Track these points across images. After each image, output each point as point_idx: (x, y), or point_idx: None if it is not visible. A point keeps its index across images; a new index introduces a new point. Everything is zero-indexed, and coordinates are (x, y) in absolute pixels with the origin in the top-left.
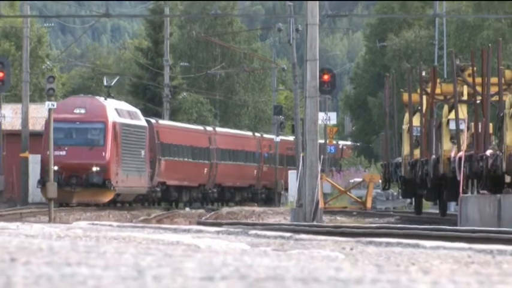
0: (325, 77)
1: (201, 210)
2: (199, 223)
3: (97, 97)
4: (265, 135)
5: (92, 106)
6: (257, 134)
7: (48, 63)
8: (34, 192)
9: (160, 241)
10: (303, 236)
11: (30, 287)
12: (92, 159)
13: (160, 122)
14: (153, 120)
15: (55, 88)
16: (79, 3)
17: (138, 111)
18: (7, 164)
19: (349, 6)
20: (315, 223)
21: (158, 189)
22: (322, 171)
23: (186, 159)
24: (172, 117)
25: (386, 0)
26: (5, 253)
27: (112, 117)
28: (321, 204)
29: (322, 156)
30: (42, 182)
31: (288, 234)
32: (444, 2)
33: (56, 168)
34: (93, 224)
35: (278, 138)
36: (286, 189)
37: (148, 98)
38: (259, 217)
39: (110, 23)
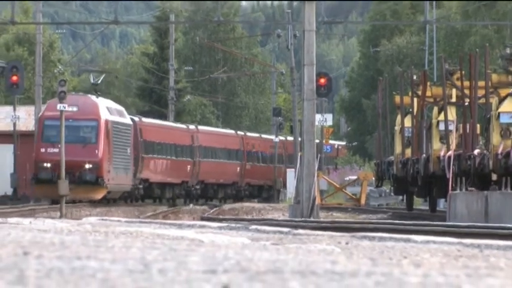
0: (322, 80)
1: (204, 207)
2: (202, 219)
3: (89, 95)
4: (248, 134)
5: (85, 104)
6: (240, 133)
7: (59, 67)
8: None
9: (165, 236)
10: (300, 231)
11: (41, 280)
12: (85, 156)
13: (144, 120)
14: (136, 118)
15: (66, 91)
16: (89, 11)
17: (124, 110)
18: (21, 162)
19: (345, 13)
20: (312, 219)
21: (141, 186)
22: (319, 169)
23: (168, 157)
24: (177, 119)
25: (379, 0)
26: (19, 247)
27: (104, 115)
28: (317, 201)
29: (319, 156)
30: (36, 179)
31: (286, 230)
32: (434, 10)
33: (49, 165)
34: (102, 219)
35: (277, 139)
36: (268, 186)
37: (154, 101)
38: (259, 213)
39: (118, 30)
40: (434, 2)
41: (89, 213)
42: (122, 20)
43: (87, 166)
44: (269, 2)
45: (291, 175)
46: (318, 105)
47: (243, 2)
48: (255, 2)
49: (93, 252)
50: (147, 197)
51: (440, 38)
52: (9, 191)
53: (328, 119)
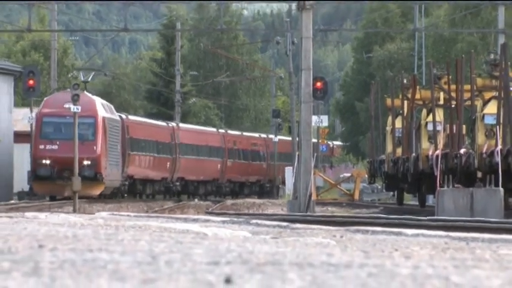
0: (318, 84)
1: (208, 202)
2: (206, 213)
3: (85, 92)
4: (229, 131)
5: (82, 101)
6: (221, 130)
7: (73, 72)
8: None
9: (172, 229)
10: (298, 225)
11: (55, 271)
12: (84, 153)
13: (130, 117)
14: (123, 116)
15: (79, 94)
16: (101, 19)
17: (112, 107)
18: None
19: (339, 21)
20: (308, 213)
21: (127, 182)
22: (315, 167)
23: (151, 154)
24: (183, 120)
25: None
26: (34, 240)
27: (101, 112)
28: (314, 197)
29: (315, 154)
30: (34, 176)
31: (284, 224)
32: (423, 18)
33: (47, 162)
34: (113, 214)
35: (276, 139)
36: (250, 183)
37: (161, 103)
38: (260, 208)
39: (127, 37)
40: (423, 11)
41: (101, 208)
42: (131, 28)
43: (85, 162)
44: (269, 11)
45: (288, 172)
46: (315, 107)
47: (245, 11)
48: (256, 11)
49: (104, 245)
50: (129, 192)
51: (428, 44)
52: (26, 187)
53: (324, 120)
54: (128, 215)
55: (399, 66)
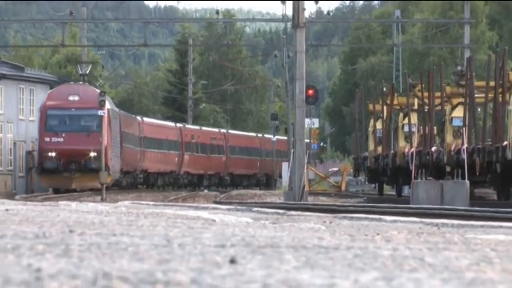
0: (310, 92)
1: (216, 193)
2: (214, 202)
3: (87, 84)
4: (187, 126)
5: (86, 93)
6: (179, 124)
7: (100, 81)
8: None
9: (184, 216)
10: (293, 212)
11: (83, 253)
12: (90, 145)
13: (122, 112)
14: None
15: (105, 100)
16: (124, 36)
17: (111, 99)
18: None
19: (328, 38)
20: (302, 202)
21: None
22: (308, 162)
23: (132, 147)
24: (194, 123)
25: (355, 20)
26: (66, 226)
27: (106, 103)
28: (306, 188)
29: (308, 152)
30: (40, 169)
31: (281, 211)
32: (400, 35)
33: (53, 154)
34: (134, 203)
35: (275, 138)
36: (209, 175)
37: (176, 108)
38: (260, 198)
39: (147, 51)
40: (400, 29)
41: (124, 198)
42: (150, 43)
43: (92, 154)
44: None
45: (285, 167)
46: (307, 111)
47: (247, 29)
48: (257, 29)
49: (126, 230)
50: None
51: (404, 57)
52: None
53: (315, 123)
54: (147, 204)
55: (380, 76)
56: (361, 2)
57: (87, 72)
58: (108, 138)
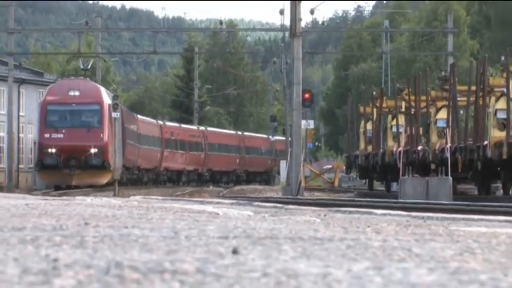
0: (306, 95)
1: (220, 188)
2: (218, 197)
3: (88, 79)
4: (167, 123)
5: (86, 88)
6: (160, 122)
7: (114, 86)
8: None
9: (191, 210)
10: (290, 206)
11: (97, 244)
12: (90, 141)
13: (124, 107)
14: (160, 122)
15: (119, 103)
16: (135, 44)
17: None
18: None
19: (323, 46)
20: (298, 197)
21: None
22: (304, 160)
23: (133, 143)
24: (200, 124)
25: (347, 30)
26: (81, 219)
27: (106, 99)
28: (302, 184)
29: (304, 150)
30: (40, 165)
31: (280, 205)
32: (388, 43)
33: (53, 150)
34: (144, 197)
35: (274, 138)
36: (188, 171)
37: (183, 110)
38: (260, 193)
39: (156, 58)
40: (388, 38)
41: (136, 193)
42: (159, 51)
43: (92, 150)
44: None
45: (283, 164)
46: (303, 113)
47: (248, 38)
48: (257, 38)
49: (136, 223)
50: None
51: (393, 64)
52: None
53: (311, 124)
54: (156, 198)
55: (370, 81)
56: (352, 13)
57: (89, 66)
58: (108, 134)
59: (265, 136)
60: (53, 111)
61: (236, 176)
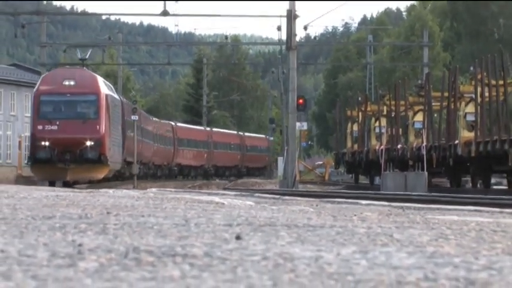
0: (300, 101)
1: (225, 181)
2: (224, 189)
3: (84, 68)
4: (178, 124)
5: (82, 78)
6: (172, 123)
7: (133, 92)
8: None
9: (200, 200)
10: (286, 197)
11: (117, 231)
12: (86, 133)
13: (125, 100)
14: (173, 123)
15: (137, 107)
16: (152, 56)
17: (112, 87)
18: None
19: (315, 58)
20: (294, 189)
21: (126, 166)
22: (298, 157)
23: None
24: (208, 126)
25: (336, 44)
26: (104, 208)
27: (103, 89)
28: (297, 178)
29: (298, 148)
30: (33, 159)
31: (277, 196)
32: (372, 55)
33: (47, 143)
34: (159, 190)
35: (271, 138)
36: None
37: (193, 114)
38: (261, 185)
39: (170, 68)
40: (372, 50)
41: (151, 186)
42: (173, 62)
43: (88, 143)
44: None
45: (280, 160)
46: (298, 116)
47: (250, 51)
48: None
49: (152, 212)
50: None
51: (376, 73)
52: None
53: (304, 126)
54: (170, 190)
55: (356, 88)
56: (341, 29)
57: (87, 56)
58: (105, 125)
59: (263, 136)
60: (47, 101)
61: (237, 171)
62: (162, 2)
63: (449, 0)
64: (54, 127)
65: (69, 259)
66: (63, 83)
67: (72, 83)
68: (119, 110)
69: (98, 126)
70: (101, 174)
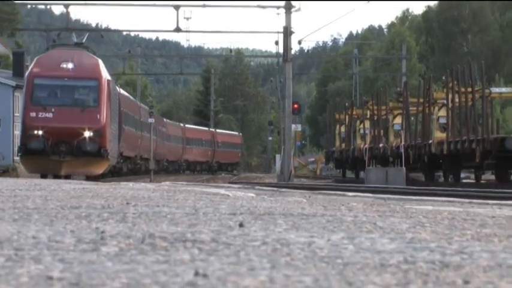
0: (295, 106)
1: (230, 175)
2: (229, 182)
3: (84, 50)
4: (187, 125)
5: (82, 61)
6: (181, 124)
7: (150, 98)
8: None
9: (208, 192)
10: (283, 189)
11: (136, 219)
12: (85, 122)
13: (121, 89)
14: (182, 124)
15: (154, 112)
16: (166, 67)
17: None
18: None
19: (308, 69)
20: (289, 182)
21: (122, 160)
22: (294, 155)
23: (133, 130)
24: (215, 128)
25: (326, 57)
26: (124, 199)
27: (105, 73)
28: (292, 172)
29: (293, 147)
30: (23, 150)
31: (275, 189)
32: (357, 66)
33: (40, 132)
34: (173, 183)
35: (270, 138)
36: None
37: (202, 117)
38: (261, 179)
39: (182, 78)
40: (357, 62)
41: (165, 179)
42: (185, 72)
43: (87, 134)
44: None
45: (277, 158)
46: (293, 119)
47: (251, 63)
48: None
49: (166, 202)
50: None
51: (361, 82)
52: None
53: (299, 127)
54: (181, 184)
55: (343, 95)
56: (330, 43)
57: (83, 41)
58: (107, 114)
59: (236, 133)
60: (41, 85)
61: (179, 165)
62: (175, 20)
63: (456, 0)
64: (49, 114)
65: (92, 244)
66: (61, 65)
67: (70, 65)
68: (116, 100)
69: (98, 116)
70: (99, 169)
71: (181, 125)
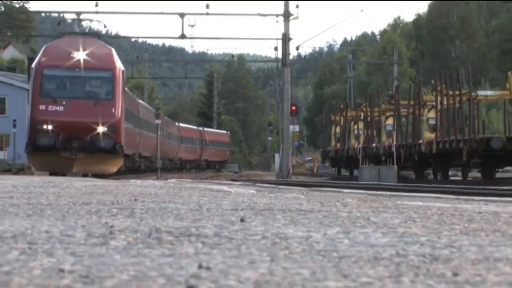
0: (293, 108)
1: (231, 173)
2: (231, 179)
3: (96, 38)
4: (205, 129)
5: (95, 49)
6: (200, 128)
7: (156, 100)
8: None
9: (211, 189)
10: (282, 186)
11: (143, 214)
12: (98, 116)
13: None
14: (177, 123)
15: (160, 113)
16: (172, 71)
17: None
18: None
19: (305, 73)
20: (288, 180)
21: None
22: (292, 154)
23: (132, 127)
24: (218, 128)
25: (322, 62)
26: (132, 196)
27: (119, 64)
28: (291, 170)
29: (291, 147)
30: (31, 146)
31: (275, 186)
32: (352, 70)
33: (50, 127)
34: (178, 180)
35: (270, 138)
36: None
37: (206, 118)
38: (261, 177)
39: (187, 81)
40: (351, 66)
41: (171, 177)
42: (189, 76)
43: (100, 129)
44: (266, 67)
45: (276, 156)
46: (291, 120)
47: (252, 67)
48: (259, 66)
49: (172, 199)
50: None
51: (355, 85)
52: None
53: (296, 128)
54: (187, 181)
55: (338, 97)
56: (326, 49)
57: (87, 30)
58: (122, 107)
59: (224, 132)
60: (51, 76)
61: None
62: (181, 27)
63: (457, 0)
64: (60, 108)
65: (102, 238)
66: (72, 54)
67: (82, 55)
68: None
69: (113, 109)
70: (114, 167)
71: (177, 124)
